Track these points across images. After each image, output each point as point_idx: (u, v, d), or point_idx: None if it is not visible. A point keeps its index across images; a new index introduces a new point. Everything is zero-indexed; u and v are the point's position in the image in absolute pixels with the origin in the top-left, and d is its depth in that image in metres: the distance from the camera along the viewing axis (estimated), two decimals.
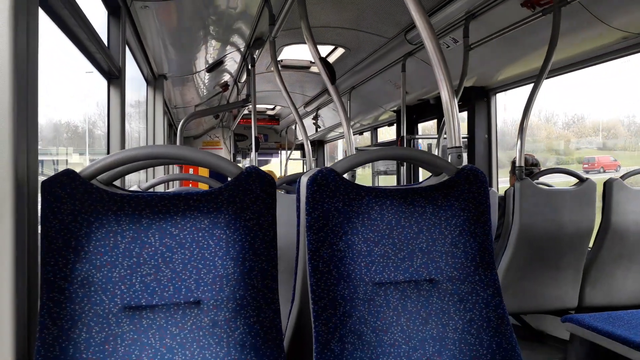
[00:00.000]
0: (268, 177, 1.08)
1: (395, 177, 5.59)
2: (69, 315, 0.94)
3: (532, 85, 2.74)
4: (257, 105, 3.79)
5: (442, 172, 1.23)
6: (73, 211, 0.97)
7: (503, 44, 3.17)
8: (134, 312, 0.98)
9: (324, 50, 4.27)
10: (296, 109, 3.05)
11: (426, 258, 1.15)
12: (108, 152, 2.12)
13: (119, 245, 0.99)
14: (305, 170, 3.99)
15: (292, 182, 2.32)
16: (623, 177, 2.61)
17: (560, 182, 3.44)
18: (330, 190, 1.11)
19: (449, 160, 1.29)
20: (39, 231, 0.98)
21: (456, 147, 1.32)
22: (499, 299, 1.15)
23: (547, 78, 2.81)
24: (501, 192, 3.24)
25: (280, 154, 9.32)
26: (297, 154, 9.28)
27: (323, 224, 1.10)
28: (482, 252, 1.17)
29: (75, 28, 1.53)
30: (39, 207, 0.97)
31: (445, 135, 3.79)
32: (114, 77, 2.06)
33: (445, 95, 1.34)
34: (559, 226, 2.58)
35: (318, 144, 8.96)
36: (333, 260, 1.09)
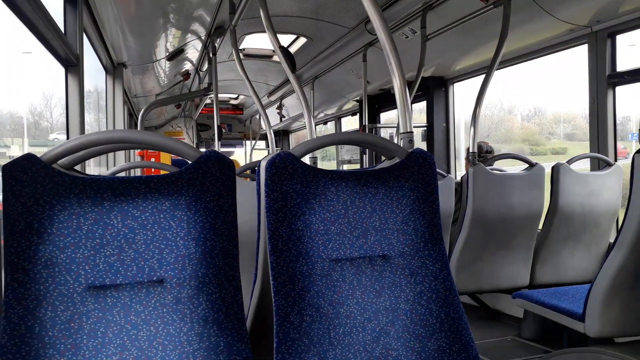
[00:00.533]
0: (227, 160, 1.12)
1: (358, 166, 5.69)
2: (33, 295, 0.97)
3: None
4: (220, 95, 3.80)
5: (394, 156, 1.31)
6: (35, 194, 0.99)
7: (459, 35, 3.28)
8: (98, 291, 1.01)
9: (285, 39, 4.29)
10: (259, 98, 3.07)
11: (379, 235, 1.22)
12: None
13: (82, 227, 1.01)
14: None
15: (254, 169, 2.36)
16: (569, 161, 2.76)
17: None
18: (288, 172, 1.17)
19: (402, 145, 1.36)
20: (0, 214, 0.99)
21: (407, 132, 1.40)
22: (446, 272, 1.24)
23: (498, 69, 2.93)
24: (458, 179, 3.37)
25: (245, 144, 9.28)
26: (262, 143, 9.27)
27: (282, 204, 1.15)
28: (431, 229, 1.25)
29: (31, 14, 1.52)
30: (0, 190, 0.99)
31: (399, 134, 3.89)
32: (72, 64, 2.04)
33: (397, 83, 1.42)
34: (510, 209, 2.72)
35: (283, 134, 8.97)
36: (292, 239, 1.15)
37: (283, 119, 7.11)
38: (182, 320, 1.04)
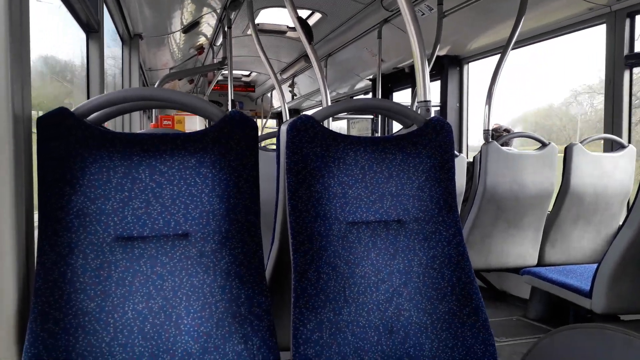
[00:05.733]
0: (250, 120, 1.15)
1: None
2: (66, 243, 1.01)
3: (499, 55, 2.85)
4: (233, 71, 3.81)
5: (412, 124, 1.33)
6: (67, 146, 1.03)
7: (476, 13, 3.26)
8: (126, 242, 1.05)
9: (300, 14, 4.27)
10: (275, 74, 3.08)
11: (395, 200, 1.25)
12: None
13: (112, 179, 1.05)
14: None
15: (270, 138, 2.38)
16: (583, 141, 2.76)
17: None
18: (309, 135, 1.19)
19: (419, 113, 1.38)
20: (35, 164, 1.03)
21: (425, 100, 1.42)
22: (459, 237, 1.27)
23: (514, 48, 2.92)
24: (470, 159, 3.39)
25: (256, 122, 9.27)
26: (272, 122, 9.28)
27: (302, 166, 1.18)
28: (446, 196, 1.28)
29: None
30: (34, 142, 1.03)
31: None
32: (93, 30, 2.07)
33: (416, 52, 1.43)
34: (522, 187, 2.74)
35: (294, 113, 8.97)
36: (311, 200, 1.18)
37: (295, 97, 7.11)
38: (206, 272, 1.08)
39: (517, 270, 2.82)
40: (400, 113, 1.31)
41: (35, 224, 1.07)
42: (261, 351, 1.06)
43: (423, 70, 1.41)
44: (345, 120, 6.56)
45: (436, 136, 1.28)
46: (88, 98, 2.14)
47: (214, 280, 1.08)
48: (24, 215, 1.03)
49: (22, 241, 1.02)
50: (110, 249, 1.04)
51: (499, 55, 2.86)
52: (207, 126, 7.19)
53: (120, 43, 3.56)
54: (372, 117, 5.45)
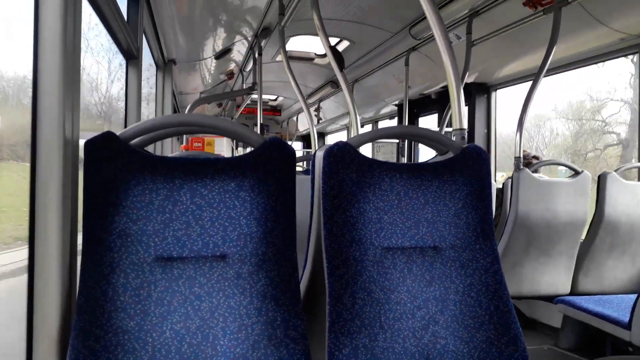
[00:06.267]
0: (288, 146, 1.18)
1: None
2: (107, 263, 1.04)
3: (530, 82, 2.85)
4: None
5: (447, 151, 1.33)
6: (112, 169, 1.06)
7: (505, 42, 3.27)
8: (166, 263, 1.07)
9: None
10: (304, 98, 3.13)
11: (431, 227, 1.25)
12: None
13: (154, 201, 1.08)
14: None
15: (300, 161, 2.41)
16: (617, 170, 2.72)
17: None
18: (345, 161, 1.21)
19: (454, 141, 1.39)
20: (81, 187, 1.07)
21: (460, 128, 1.43)
22: (497, 266, 1.25)
23: (545, 76, 2.91)
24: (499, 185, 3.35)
25: None
26: (297, 145, 9.36)
27: (338, 192, 1.20)
28: (483, 224, 1.27)
29: (104, 6, 1.61)
30: (80, 165, 1.07)
31: (446, 129, 3.90)
32: (133, 57, 2.15)
33: (452, 79, 1.44)
34: (554, 215, 2.69)
35: (319, 136, 9.05)
36: (346, 225, 1.19)
37: (320, 121, 7.18)
38: (242, 294, 1.09)
39: (549, 299, 2.76)
40: (436, 140, 1.32)
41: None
42: None
43: (458, 98, 1.42)
44: (370, 145, 6.58)
45: (473, 164, 1.28)
46: (125, 121, 2.21)
47: (250, 302, 1.09)
48: (69, 234, 1.06)
49: (66, 259, 1.05)
50: (150, 269, 1.06)
51: (526, 83, 2.86)
52: (234, 148, 7.30)
53: (155, 69, 3.68)
54: (397, 141, 5.47)
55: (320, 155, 1.23)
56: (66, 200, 1.04)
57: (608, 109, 6.83)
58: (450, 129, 1.42)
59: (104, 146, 1.07)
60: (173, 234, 1.09)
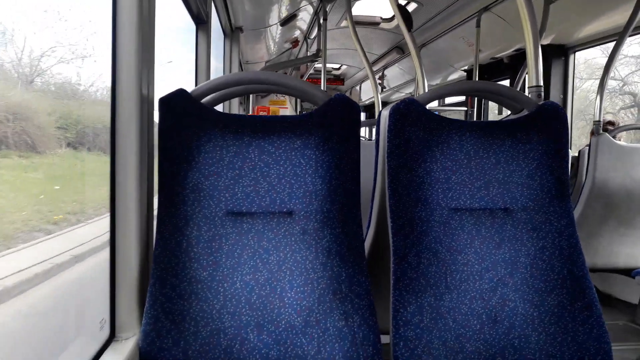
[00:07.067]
0: (354, 103, 1.17)
1: None
2: (182, 215, 1.09)
3: (614, 42, 2.63)
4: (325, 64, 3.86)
5: (521, 110, 1.27)
6: (185, 126, 1.10)
7: None
8: (236, 217, 1.11)
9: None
10: (370, 65, 3.07)
11: (502, 188, 1.20)
12: None
13: (224, 158, 1.12)
14: None
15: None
16: None
17: None
18: (412, 118, 1.18)
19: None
20: (155, 143, 1.12)
21: (537, 85, 1.35)
22: (572, 229, 1.20)
23: (631, 35, 2.67)
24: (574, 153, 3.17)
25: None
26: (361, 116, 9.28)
27: (403, 150, 1.18)
28: (558, 185, 1.21)
29: None
30: (155, 121, 1.11)
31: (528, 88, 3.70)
32: (202, 22, 2.19)
33: (528, 36, 1.36)
34: (637, 183, 2.52)
35: (383, 106, 8.90)
36: (412, 185, 1.17)
37: (384, 90, 7.05)
38: (308, 249, 1.12)
39: (626, 272, 2.60)
40: (511, 97, 1.26)
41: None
42: (362, 329, 1.07)
43: (535, 55, 1.34)
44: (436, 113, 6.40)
45: (550, 122, 1.21)
46: (196, 84, 2.27)
47: (315, 257, 1.11)
48: (146, 188, 1.12)
49: (143, 212, 1.11)
50: (221, 223, 1.10)
51: (609, 44, 2.64)
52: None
53: (222, 36, 3.74)
54: (465, 109, 5.27)
55: (385, 113, 1.21)
56: (143, 154, 1.10)
57: None
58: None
59: (177, 103, 1.11)
60: (242, 190, 1.12)
